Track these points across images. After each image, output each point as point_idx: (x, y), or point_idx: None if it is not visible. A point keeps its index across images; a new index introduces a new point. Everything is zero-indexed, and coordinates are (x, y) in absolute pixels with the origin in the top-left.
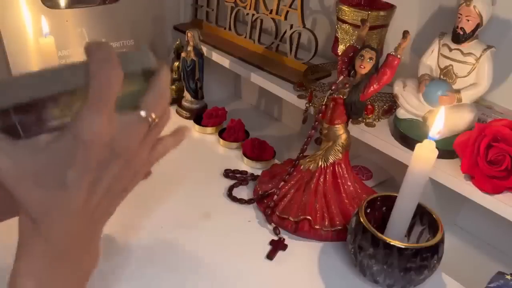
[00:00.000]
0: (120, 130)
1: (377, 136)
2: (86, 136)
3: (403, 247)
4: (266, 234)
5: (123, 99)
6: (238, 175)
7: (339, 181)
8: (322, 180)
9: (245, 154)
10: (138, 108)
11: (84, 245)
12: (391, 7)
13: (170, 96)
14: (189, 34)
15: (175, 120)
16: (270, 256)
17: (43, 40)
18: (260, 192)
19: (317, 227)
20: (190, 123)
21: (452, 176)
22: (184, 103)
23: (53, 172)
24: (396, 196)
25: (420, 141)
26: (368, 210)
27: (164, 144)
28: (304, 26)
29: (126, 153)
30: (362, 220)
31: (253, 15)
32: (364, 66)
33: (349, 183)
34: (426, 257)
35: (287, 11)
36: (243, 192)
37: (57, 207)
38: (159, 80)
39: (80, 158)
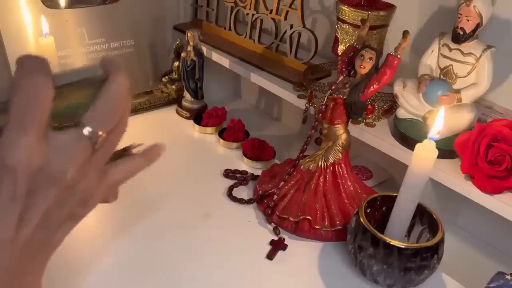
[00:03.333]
0: (56, 152)
1: (377, 136)
2: (10, 161)
3: (403, 247)
4: (266, 234)
5: (67, 114)
6: (238, 175)
7: (339, 181)
8: (322, 180)
9: (245, 154)
10: (80, 124)
11: (16, 284)
12: (391, 7)
13: (127, 108)
14: (189, 34)
15: (175, 120)
16: (270, 256)
17: (43, 40)
18: (260, 192)
19: (317, 227)
20: (190, 123)
21: (452, 176)
22: (184, 103)
23: None
24: (396, 196)
25: (420, 141)
26: (368, 210)
27: (132, 164)
28: (304, 26)
29: (63, 178)
30: (362, 220)
31: (253, 15)
32: (364, 66)
33: (349, 183)
34: (426, 257)
35: (287, 11)
36: (243, 192)
37: None
38: (110, 90)
39: (5, 186)
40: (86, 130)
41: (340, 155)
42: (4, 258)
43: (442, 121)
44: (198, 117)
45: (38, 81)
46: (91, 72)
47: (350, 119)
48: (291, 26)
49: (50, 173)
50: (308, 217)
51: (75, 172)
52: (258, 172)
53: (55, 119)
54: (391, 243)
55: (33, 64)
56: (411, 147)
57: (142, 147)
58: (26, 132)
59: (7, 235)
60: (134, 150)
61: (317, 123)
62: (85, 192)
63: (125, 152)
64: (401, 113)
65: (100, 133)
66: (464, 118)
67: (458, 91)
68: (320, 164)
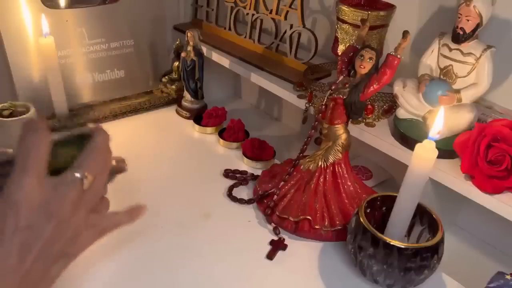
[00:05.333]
0: (52, 192)
1: (377, 136)
2: (15, 196)
3: (403, 247)
4: (266, 234)
5: (61, 164)
6: (238, 175)
7: (339, 181)
8: (322, 180)
9: (245, 154)
10: (72, 168)
11: None
12: (391, 7)
13: (109, 159)
14: (189, 34)
15: (175, 120)
16: (270, 256)
17: (43, 40)
18: (260, 192)
19: (317, 227)
20: (190, 123)
21: (452, 176)
22: (184, 103)
23: None
24: (396, 196)
25: (420, 141)
26: (368, 210)
27: (115, 218)
28: (304, 26)
29: (59, 215)
30: (362, 220)
31: (253, 15)
32: (364, 66)
33: (349, 183)
34: (426, 257)
35: (287, 11)
36: (243, 192)
37: None
38: (94, 141)
39: (9, 219)
40: (77, 174)
41: (340, 155)
42: (6, 285)
43: (442, 121)
44: (198, 117)
45: (37, 135)
46: (80, 129)
47: (350, 119)
48: (291, 26)
49: (47, 210)
50: (308, 217)
51: (68, 207)
52: (258, 172)
53: (57, 173)
54: (391, 243)
55: (33, 124)
56: (411, 147)
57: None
58: (28, 174)
59: (11, 263)
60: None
61: (317, 123)
62: (75, 229)
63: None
64: (401, 113)
65: (89, 176)
66: (464, 118)
67: (458, 91)
68: (320, 164)
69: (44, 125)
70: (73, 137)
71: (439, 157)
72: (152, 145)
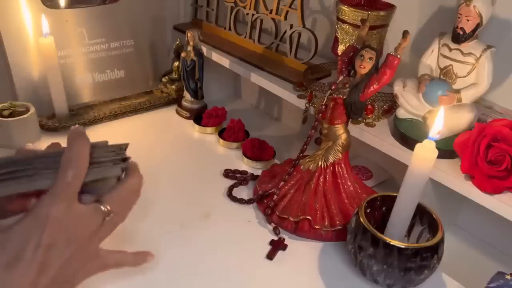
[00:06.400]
0: (77, 218)
1: (377, 136)
2: (43, 213)
3: (403, 247)
4: (266, 234)
5: (92, 185)
6: (238, 175)
7: (339, 181)
8: (322, 180)
9: (245, 154)
10: (100, 201)
11: None
12: (391, 7)
13: (134, 201)
14: (189, 34)
15: (175, 120)
16: (270, 256)
17: (43, 40)
18: (260, 192)
19: (317, 227)
20: (190, 123)
21: (452, 176)
22: (184, 103)
23: (7, 251)
24: (396, 196)
25: (420, 141)
26: (368, 210)
27: (122, 256)
28: (304, 26)
29: (78, 241)
30: (362, 220)
31: (253, 15)
32: (364, 66)
33: (349, 183)
34: (426, 257)
35: (287, 11)
36: (243, 192)
37: (4, 285)
38: (126, 183)
39: (35, 234)
40: (104, 207)
41: (340, 155)
42: None
43: (442, 121)
44: (198, 117)
45: (77, 170)
46: (115, 169)
47: (350, 119)
48: (291, 26)
49: (70, 233)
50: (308, 217)
51: (87, 236)
52: (258, 172)
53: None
54: (391, 243)
55: (78, 150)
56: (411, 147)
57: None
58: (61, 195)
59: (29, 279)
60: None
61: (317, 123)
62: (87, 258)
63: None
64: (401, 113)
65: (112, 211)
66: (464, 118)
67: (458, 91)
68: (320, 164)
69: (88, 145)
70: (109, 154)
71: (439, 157)
72: (152, 145)
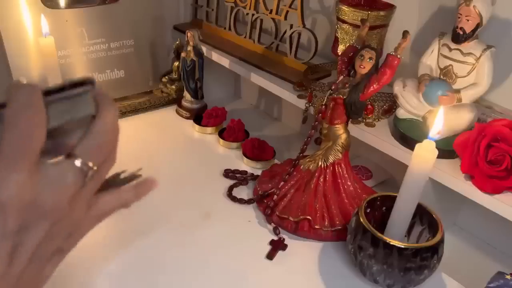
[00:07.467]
0: (47, 184)
1: (377, 136)
2: (1, 197)
3: (403, 247)
4: (266, 234)
5: (52, 125)
6: (238, 175)
7: (339, 181)
8: (322, 180)
9: (245, 154)
10: (72, 156)
11: None
12: (391, 7)
13: (116, 142)
14: (189, 34)
15: (175, 120)
16: (270, 256)
17: (43, 40)
18: (260, 192)
19: (317, 227)
20: (190, 123)
21: (452, 176)
22: (184, 103)
23: None
24: (396, 196)
25: (420, 141)
26: (368, 210)
27: (120, 196)
28: (304, 26)
29: (54, 212)
30: (362, 220)
31: (253, 15)
32: (364, 66)
33: (349, 183)
34: (426, 257)
35: (287, 11)
36: (243, 192)
37: None
38: (100, 122)
39: None
40: (78, 162)
41: (340, 155)
42: None
43: (442, 121)
44: (198, 117)
45: (32, 119)
46: (81, 103)
47: (350, 119)
48: (291, 26)
49: (41, 207)
50: (308, 217)
51: (66, 203)
52: (258, 172)
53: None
54: (391, 243)
55: (26, 98)
56: (411, 147)
57: (133, 175)
58: (17, 168)
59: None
60: (122, 176)
61: (317, 123)
62: (73, 224)
63: (113, 180)
64: (401, 113)
65: (91, 164)
66: (464, 118)
67: (458, 91)
68: (320, 164)
69: (39, 99)
70: (67, 87)
71: (439, 157)
72: (152, 145)
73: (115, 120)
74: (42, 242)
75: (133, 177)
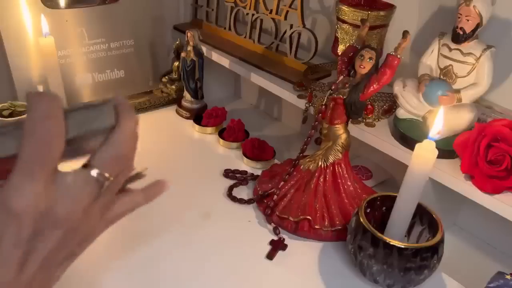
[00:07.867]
0: (63, 194)
1: (377, 136)
2: (16, 207)
3: (403, 247)
4: (266, 234)
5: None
6: (238, 175)
7: (339, 181)
8: (322, 180)
9: (245, 154)
10: (89, 166)
11: None
12: (391, 7)
13: (133, 149)
14: (189, 34)
15: (175, 120)
16: (270, 256)
17: (43, 40)
18: (260, 192)
19: (317, 227)
20: (190, 123)
21: (452, 176)
22: (184, 103)
23: None
24: (396, 196)
25: (420, 141)
26: (368, 210)
27: (131, 200)
28: (304, 26)
29: (68, 221)
30: (362, 220)
31: (253, 15)
32: (364, 66)
33: (349, 183)
34: (426, 257)
35: (287, 11)
36: (243, 192)
37: None
38: (118, 134)
39: (10, 231)
40: (95, 172)
41: (340, 155)
42: None
43: (442, 121)
44: (198, 117)
45: (51, 128)
46: (101, 114)
47: (350, 119)
48: (291, 26)
49: (55, 216)
50: (308, 217)
51: (80, 213)
52: (258, 172)
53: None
54: (391, 243)
55: (45, 107)
56: (411, 147)
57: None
58: (34, 178)
59: (8, 278)
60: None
61: (317, 123)
62: (87, 231)
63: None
64: (401, 113)
65: (107, 175)
66: (464, 118)
67: (458, 91)
68: (320, 164)
69: (59, 108)
70: (93, 131)
71: (439, 157)
72: (152, 145)
73: (134, 130)
74: (54, 249)
75: (138, 176)
